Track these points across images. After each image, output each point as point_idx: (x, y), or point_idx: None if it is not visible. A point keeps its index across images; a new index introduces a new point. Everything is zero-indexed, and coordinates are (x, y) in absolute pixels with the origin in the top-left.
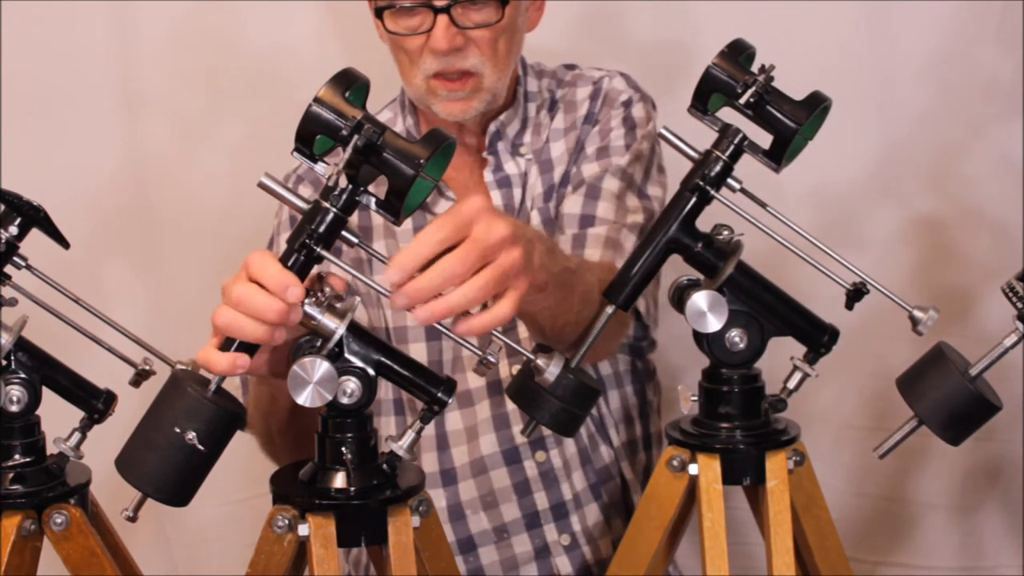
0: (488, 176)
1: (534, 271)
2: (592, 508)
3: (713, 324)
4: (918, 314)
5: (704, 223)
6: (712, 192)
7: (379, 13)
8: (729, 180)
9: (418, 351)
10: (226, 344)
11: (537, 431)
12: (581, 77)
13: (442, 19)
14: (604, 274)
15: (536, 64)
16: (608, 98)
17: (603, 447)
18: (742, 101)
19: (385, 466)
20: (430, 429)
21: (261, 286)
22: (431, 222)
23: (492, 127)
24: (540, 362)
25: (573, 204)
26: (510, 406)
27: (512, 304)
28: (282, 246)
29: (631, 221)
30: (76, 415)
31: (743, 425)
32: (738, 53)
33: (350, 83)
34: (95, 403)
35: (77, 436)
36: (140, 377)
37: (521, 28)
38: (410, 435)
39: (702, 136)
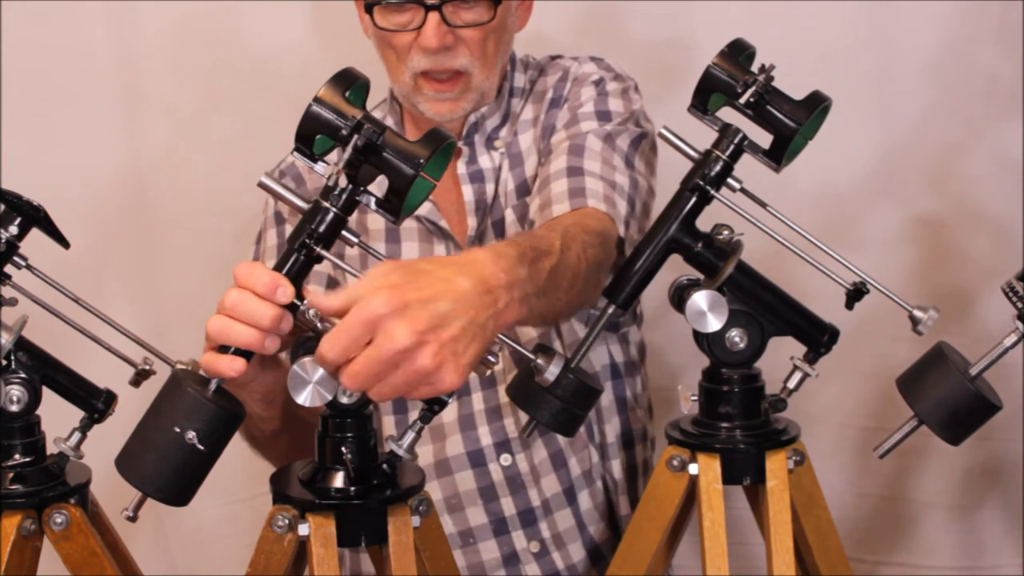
0: (461, 168)
1: (505, 312)
2: (564, 514)
3: (713, 324)
4: (918, 314)
5: (704, 223)
6: (712, 192)
7: (368, 8)
8: (729, 180)
9: None
10: (221, 352)
11: (502, 432)
12: (555, 65)
13: (433, 17)
14: (589, 236)
15: (525, 57)
16: (576, 80)
17: (590, 447)
18: (742, 101)
19: (385, 466)
20: None
21: (254, 293)
22: (336, 326)
23: (472, 118)
24: (540, 362)
25: (558, 162)
26: (476, 407)
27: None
28: (269, 242)
29: (618, 180)
30: (76, 415)
31: (743, 425)
32: (738, 53)
33: (350, 83)
34: (95, 403)
35: (77, 436)
36: (140, 377)
37: (510, 28)
38: (410, 435)
39: (702, 136)
